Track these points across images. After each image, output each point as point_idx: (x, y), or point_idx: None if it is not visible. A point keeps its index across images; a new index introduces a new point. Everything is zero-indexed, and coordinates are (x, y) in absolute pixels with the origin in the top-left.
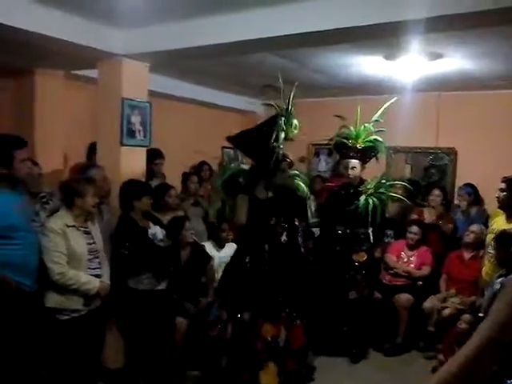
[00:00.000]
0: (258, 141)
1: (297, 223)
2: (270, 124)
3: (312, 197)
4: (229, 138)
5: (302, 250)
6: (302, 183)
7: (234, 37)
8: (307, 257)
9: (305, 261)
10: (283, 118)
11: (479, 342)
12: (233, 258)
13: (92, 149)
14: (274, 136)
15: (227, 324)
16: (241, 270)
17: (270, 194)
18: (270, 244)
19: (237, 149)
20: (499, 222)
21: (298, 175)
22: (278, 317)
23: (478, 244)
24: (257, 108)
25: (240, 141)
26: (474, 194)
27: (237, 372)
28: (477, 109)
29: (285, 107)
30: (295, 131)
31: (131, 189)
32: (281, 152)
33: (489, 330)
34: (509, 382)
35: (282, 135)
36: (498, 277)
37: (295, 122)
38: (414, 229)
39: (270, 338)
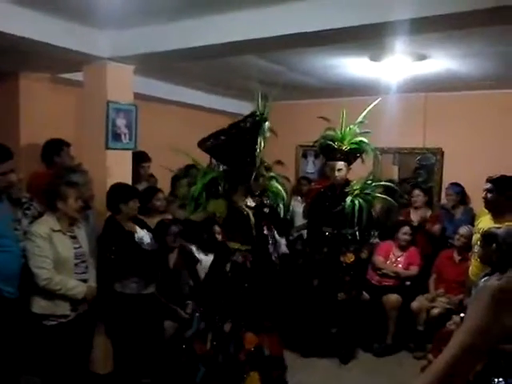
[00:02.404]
0: (234, 147)
1: (265, 232)
2: (252, 132)
3: (299, 198)
4: (199, 144)
5: (274, 258)
6: (278, 185)
7: (219, 39)
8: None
9: (275, 270)
10: (265, 123)
11: (454, 350)
12: (212, 266)
13: (51, 149)
14: (259, 143)
15: (206, 335)
16: (221, 278)
17: (250, 201)
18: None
19: (208, 153)
20: (485, 222)
21: (275, 177)
22: (260, 326)
23: (468, 246)
24: (245, 110)
25: (210, 146)
26: (461, 194)
27: None
28: (463, 109)
29: (262, 111)
30: (268, 134)
31: (118, 192)
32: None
33: (464, 336)
34: (496, 380)
35: (262, 142)
36: (484, 276)
37: (267, 124)
38: (406, 229)
39: (252, 349)
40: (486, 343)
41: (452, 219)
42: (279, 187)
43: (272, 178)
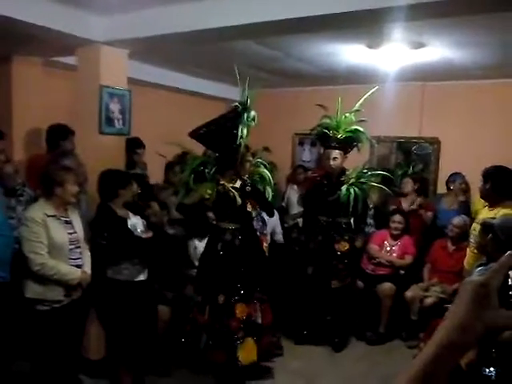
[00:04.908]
0: (219, 135)
1: (249, 209)
2: (233, 121)
3: (295, 187)
4: (190, 134)
5: (258, 233)
6: (265, 170)
7: (214, 23)
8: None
9: (259, 245)
10: (246, 114)
11: (436, 346)
12: (207, 246)
13: (55, 135)
14: (239, 133)
15: (204, 307)
16: (214, 256)
17: (237, 183)
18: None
19: (198, 142)
20: (483, 212)
21: (261, 163)
22: (251, 297)
23: (462, 236)
24: (239, 96)
25: (200, 134)
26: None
27: (213, 353)
28: (461, 98)
29: (244, 102)
30: (253, 123)
31: (116, 178)
32: (244, 144)
33: (445, 333)
34: (487, 370)
35: (245, 130)
36: (478, 266)
37: (253, 113)
38: (398, 218)
39: (244, 317)
40: (468, 340)
41: (451, 209)
42: (265, 172)
43: (258, 163)
